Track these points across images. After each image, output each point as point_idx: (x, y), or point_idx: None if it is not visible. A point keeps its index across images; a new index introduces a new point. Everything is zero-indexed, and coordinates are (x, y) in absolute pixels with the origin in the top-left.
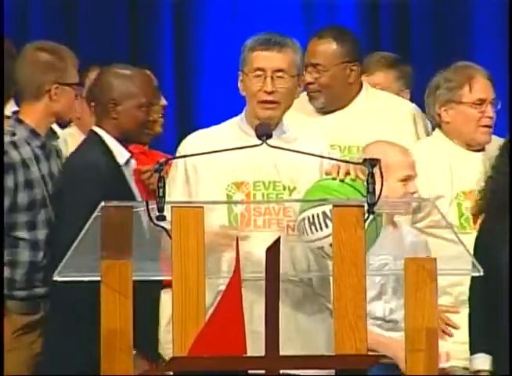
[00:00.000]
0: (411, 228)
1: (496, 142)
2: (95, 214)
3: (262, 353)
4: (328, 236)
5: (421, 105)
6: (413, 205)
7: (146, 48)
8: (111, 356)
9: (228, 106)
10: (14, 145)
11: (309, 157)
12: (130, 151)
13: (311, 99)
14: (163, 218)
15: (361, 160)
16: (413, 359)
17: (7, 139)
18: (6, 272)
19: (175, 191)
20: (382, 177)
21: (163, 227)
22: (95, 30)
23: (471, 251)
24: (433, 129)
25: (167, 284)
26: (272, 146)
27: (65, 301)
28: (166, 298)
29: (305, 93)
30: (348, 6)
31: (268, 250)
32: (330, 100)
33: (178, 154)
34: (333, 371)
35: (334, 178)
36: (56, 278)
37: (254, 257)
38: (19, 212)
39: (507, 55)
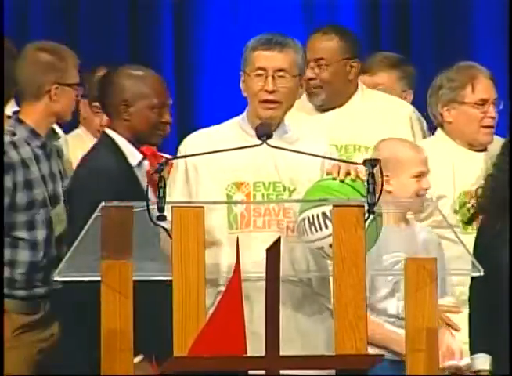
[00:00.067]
0: (424, 225)
1: (498, 143)
2: (96, 214)
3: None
4: (327, 236)
5: (423, 105)
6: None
7: (146, 48)
8: (111, 356)
9: (228, 106)
10: (14, 145)
11: (310, 158)
12: (142, 152)
13: (311, 95)
14: (163, 218)
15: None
16: (413, 359)
17: (7, 138)
18: (6, 271)
19: (176, 191)
20: (382, 177)
21: (163, 227)
22: (95, 30)
23: (471, 251)
24: (429, 130)
25: None
26: (272, 146)
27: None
28: None
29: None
30: (348, 6)
31: (269, 250)
32: (330, 97)
33: (178, 154)
34: (333, 371)
35: (334, 179)
36: (56, 278)
37: (254, 257)
38: (18, 212)
39: (507, 54)
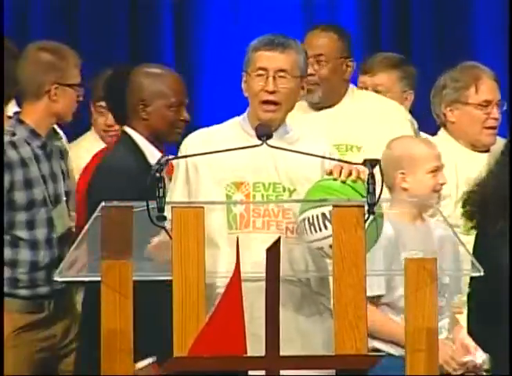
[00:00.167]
0: (439, 222)
1: (501, 144)
2: (96, 214)
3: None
4: (327, 237)
5: (424, 106)
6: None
7: (146, 48)
8: (111, 356)
9: (228, 106)
10: (13, 145)
11: (310, 158)
12: (161, 152)
13: (307, 92)
14: (163, 218)
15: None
16: (413, 359)
17: (7, 138)
18: (8, 271)
19: (176, 191)
20: (382, 177)
21: (163, 227)
22: (95, 30)
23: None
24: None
25: None
26: (272, 146)
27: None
28: None
29: None
30: (348, 6)
31: (269, 250)
32: (326, 94)
33: (179, 154)
34: (333, 371)
35: (335, 179)
36: (57, 278)
37: (254, 257)
38: (17, 211)
39: (508, 54)
